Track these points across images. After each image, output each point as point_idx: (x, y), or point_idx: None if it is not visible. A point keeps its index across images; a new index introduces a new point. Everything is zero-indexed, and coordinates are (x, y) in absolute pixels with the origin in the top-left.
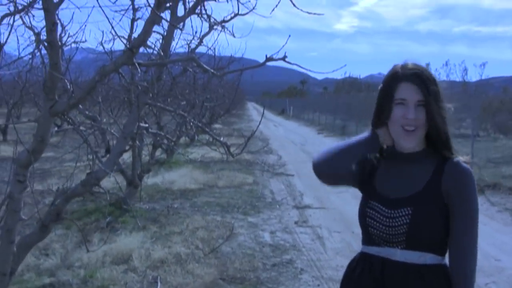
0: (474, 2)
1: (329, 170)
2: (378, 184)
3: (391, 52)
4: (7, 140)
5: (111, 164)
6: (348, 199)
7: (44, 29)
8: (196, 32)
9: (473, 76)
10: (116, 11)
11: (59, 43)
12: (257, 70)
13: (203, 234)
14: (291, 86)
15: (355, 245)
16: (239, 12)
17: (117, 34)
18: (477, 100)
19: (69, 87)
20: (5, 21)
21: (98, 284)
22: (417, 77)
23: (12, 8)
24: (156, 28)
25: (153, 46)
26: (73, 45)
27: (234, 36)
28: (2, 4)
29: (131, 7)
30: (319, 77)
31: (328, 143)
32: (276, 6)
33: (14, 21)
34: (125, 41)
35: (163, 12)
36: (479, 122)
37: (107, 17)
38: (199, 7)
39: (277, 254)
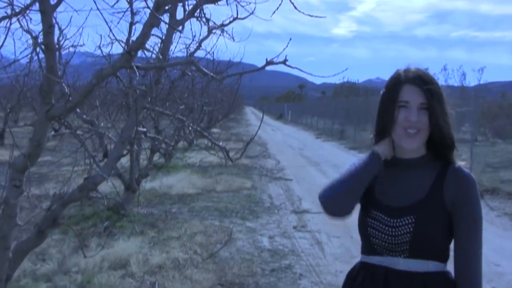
0: (472, 8)
1: (344, 211)
2: (379, 193)
3: (390, 57)
4: (5, 144)
5: (108, 169)
6: None
7: (41, 32)
8: (194, 36)
9: (472, 81)
10: (114, 13)
11: (56, 46)
12: (255, 74)
13: (201, 239)
14: (289, 90)
15: (354, 251)
16: (238, 16)
17: (115, 38)
18: (476, 105)
19: (66, 90)
20: (2, 24)
21: None
22: (420, 79)
23: (9, 11)
24: (155, 31)
25: (151, 49)
26: (71, 48)
27: (233, 40)
28: None
29: (129, 10)
30: (317, 81)
31: (326, 148)
32: (277, 8)
33: (11, 24)
34: (123, 45)
35: (162, 15)
36: (477, 126)
37: (105, 21)
38: (198, 10)
39: (276, 259)
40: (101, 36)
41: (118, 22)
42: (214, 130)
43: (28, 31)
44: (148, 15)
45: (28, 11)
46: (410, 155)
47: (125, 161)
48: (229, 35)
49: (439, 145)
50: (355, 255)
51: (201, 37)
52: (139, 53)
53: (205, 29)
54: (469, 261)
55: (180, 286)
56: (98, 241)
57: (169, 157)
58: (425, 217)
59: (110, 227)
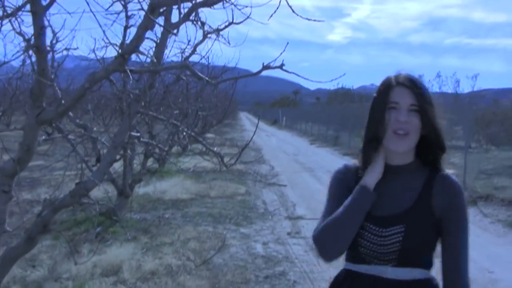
0: (465, 15)
1: (339, 256)
2: None
3: (384, 64)
4: None
5: (100, 174)
6: None
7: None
8: (189, 41)
9: (465, 88)
10: (108, 14)
11: (48, 49)
12: (249, 80)
13: (194, 245)
14: (284, 96)
15: None
16: (234, 21)
17: (109, 42)
18: (470, 112)
19: (58, 94)
20: None
21: None
22: (410, 82)
23: (0, 13)
24: (149, 35)
25: (146, 53)
26: (64, 52)
27: (229, 44)
28: None
29: (124, 14)
30: (312, 87)
31: (320, 154)
32: (275, 12)
33: (2, 25)
34: (117, 49)
35: (156, 18)
36: (471, 133)
37: (99, 24)
38: (193, 14)
39: (270, 266)
40: (95, 39)
41: (111, 25)
42: (209, 135)
43: (20, 33)
44: (142, 18)
45: (20, 13)
46: (399, 162)
47: (118, 166)
48: (224, 39)
49: (431, 149)
50: None
51: (196, 42)
52: (134, 57)
53: (200, 33)
54: (459, 266)
55: None
56: (90, 247)
57: (163, 162)
58: (414, 226)
59: (102, 233)
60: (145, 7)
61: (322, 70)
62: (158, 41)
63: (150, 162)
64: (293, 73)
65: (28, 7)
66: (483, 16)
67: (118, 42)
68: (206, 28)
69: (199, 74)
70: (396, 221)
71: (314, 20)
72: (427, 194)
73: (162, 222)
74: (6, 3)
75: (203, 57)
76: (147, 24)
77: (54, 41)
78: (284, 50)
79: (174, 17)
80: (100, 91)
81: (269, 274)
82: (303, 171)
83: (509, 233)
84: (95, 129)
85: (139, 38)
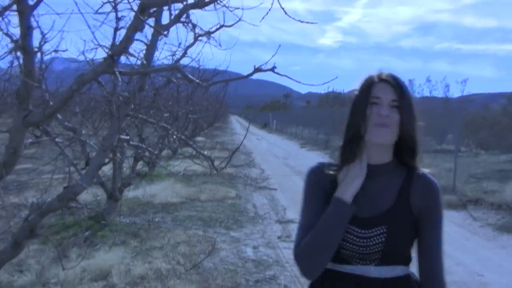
0: (456, 20)
1: (321, 271)
2: None
3: (375, 68)
4: None
5: (89, 178)
6: None
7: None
8: (180, 43)
9: (455, 93)
10: (97, 14)
11: (35, 49)
12: (240, 83)
13: (184, 249)
14: (274, 99)
15: None
16: (225, 24)
17: (99, 43)
18: (460, 116)
19: (46, 96)
20: None
21: None
22: (392, 79)
23: None
24: (140, 36)
25: (136, 55)
26: (53, 53)
27: (220, 46)
28: None
29: (114, 16)
30: (303, 91)
31: (311, 157)
32: (267, 13)
33: None
34: (107, 50)
35: (146, 19)
36: (461, 138)
37: (88, 25)
38: (184, 16)
39: (260, 269)
40: (84, 41)
41: (100, 26)
42: (199, 138)
43: (7, 34)
44: (132, 19)
45: (7, 13)
46: (378, 161)
47: (107, 169)
48: (216, 41)
49: (404, 149)
50: None
51: (187, 44)
52: (124, 60)
53: (191, 36)
54: (437, 262)
55: None
56: (78, 251)
57: (153, 165)
58: (396, 226)
59: (91, 237)
60: (135, 8)
61: (313, 74)
62: (148, 43)
63: (140, 165)
64: (285, 75)
65: (15, 7)
66: (474, 22)
67: (108, 44)
68: (197, 30)
69: (190, 76)
70: (378, 222)
71: (307, 22)
72: (406, 193)
73: (152, 226)
74: None
75: (194, 59)
76: (136, 25)
77: (42, 43)
78: (276, 53)
79: (165, 19)
80: (90, 94)
81: (259, 278)
82: (293, 175)
83: (498, 236)
84: (84, 132)
85: (129, 39)
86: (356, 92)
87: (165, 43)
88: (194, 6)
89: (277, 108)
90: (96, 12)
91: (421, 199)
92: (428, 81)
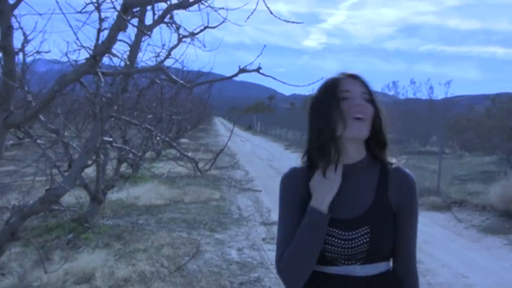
0: (440, 22)
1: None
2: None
3: (359, 69)
4: None
5: (71, 180)
6: None
7: None
8: (164, 45)
9: (439, 94)
10: (80, 13)
11: (16, 50)
12: (224, 85)
13: (168, 251)
14: (259, 101)
15: None
16: (209, 25)
17: (82, 45)
18: (444, 118)
19: (28, 97)
20: None
21: None
22: (357, 74)
23: None
24: (123, 37)
25: (119, 55)
26: (36, 55)
27: (204, 47)
28: None
29: (97, 16)
30: (287, 93)
31: (295, 159)
32: (252, 13)
33: None
34: (90, 52)
35: (130, 20)
36: (445, 139)
37: (70, 25)
38: (168, 16)
39: (245, 272)
40: (68, 42)
41: (82, 25)
42: (183, 140)
43: None
44: (115, 19)
45: None
46: (354, 159)
47: (91, 171)
48: (200, 42)
49: (376, 144)
50: None
51: (171, 46)
52: (107, 61)
53: (175, 37)
54: (412, 256)
55: None
56: (61, 254)
57: (137, 167)
58: (378, 225)
59: (74, 240)
60: (118, 7)
61: (297, 76)
62: (132, 43)
63: (123, 167)
64: (270, 76)
65: None
66: (458, 24)
67: (92, 45)
68: (181, 31)
69: (174, 77)
70: (360, 223)
71: (293, 22)
72: (384, 189)
73: (136, 228)
74: None
75: (177, 60)
76: (119, 25)
77: (25, 44)
78: (261, 53)
79: (148, 20)
80: (73, 95)
81: (244, 280)
82: (278, 176)
83: (483, 238)
84: (67, 133)
85: (112, 39)
86: (319, 94)
87: (148, 44)
88: (178, 6)
89: (261, 110)
90: (79, 12)
91: (399, 194)
92: (412, 83)
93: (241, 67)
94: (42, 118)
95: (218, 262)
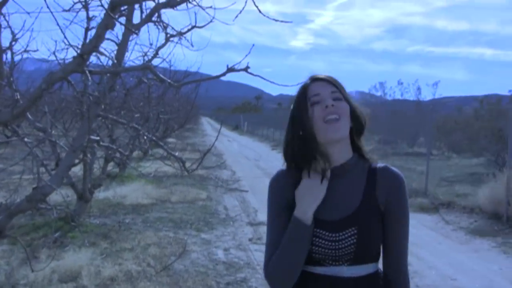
0: (428, 23)
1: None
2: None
3: (346, 70)
4: None
5: (58, 178)
6: None
7: None
8: (151, 44)
9: (427, 95)
10: (68, 12)
11: (4, 48)
12: (211, 85)
13: (155, 251)
14: (246, 101)
15: None
16: (197, 24)
17: (70, 44)
18: (431, 119)
19: (16, 96)
20: None
21: None
22: (326, 76)
23: None
24: (111, 36)
25: (106, 54)
26: (24, 54)
27: (192, 46)
28: None
29: (85, 15)
30: (274, 93)
31: (282, 159)
32: (241, 12)
33: None
34: (78, 50)
35: (118, 18)
36: (433, 141)
37: (58, 24)
38: (156, 15)
39: (231, 272)
40: (55, 41)
41: (70, 24)
42: (170, 139)
43: None
44: (103, 17)
45: None
46: (339, 160)
47: (78, 170)
48: (188, 41)
49: (357, 135)
50: None
51: (158, 45)
52: (95, 60)
53: (162, 37)
54: (403, 257)
55: None
56: (48, 252)
57: (124, 166)
58: (366, 226)
59: (61, 238)
60: (106, 6)
61: (284, 76)
62: (120, 42)
63: (110, 166)
64: (258, 75)
65: None
66: (446, 24)
67: (79, 44)
68: (168, 30)
69: (162, 76)
70: (348, 224)
71: (282, 21)
72: (372, 189)
73: (122, 227)
74: None
75: (164, 59)
76: (107, 23)
77: (13, 42)
78: (249, 52)
79: (136, 19)
80: (61, 94)
81: (230, 280)
82: (264, 177)
83: (471, 240)
84: (54, 132)
85: (99, 37)
86: (294, 102)
87: (136, 43)
88: (165, 5)
89: (248, 110)
90: (67, 10)
91: (387, 194)
92: (400, 84)
93: (229, 66)
94: (30, 117)
95: (205, 262)
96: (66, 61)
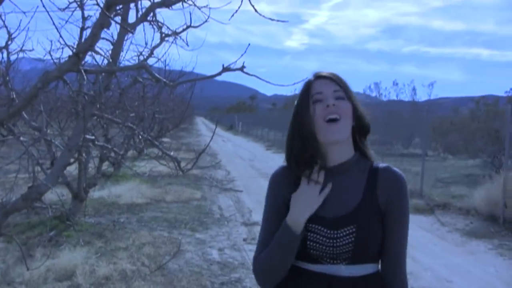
0: (424, 23)
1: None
2: None
3: (341, 70)
4: None
5: (54, 178)
6: None
7: None
8: (147, 44)
9: (422, 96)
10: (64, 11)
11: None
12: (206, 84)
13: (149, 250)
14: (240, 101)
15: None
16: (192, 24)
17: (65, 43)
18: (427, 120)
19: (12, 95)
20: None
21: None
22: (329, 73)
23: None
24: (106, 35)
25: (102, 53)
26: (20, 53)
27: (187, 45)
28: None
29: (80, 15)
30: (268, 93)
31: (277, 160)
32: (237, 11)
33: None
34: (73, 50)
35: (113, 17)
36: (428, 141)
37: (54, 24)
38: (151, 14)
39: (226, 272)
40: (51, 41)
41: (65, 23)
42: (165, 139)
43: None
44: (98, 16)
45: None
46: (340, 159)
47: (73, 169)
48: (183, 40)
49: (358, 133)
50: None
51: (153, 44)
52: (90, 60)
53: (157, 36)
54: (401, 258)
55: None
56: (43, 251)
57: (118, 166)
58: (365, 225)
59: (56, 237)
60: (102, 5)
61: (279, 76)
62: (115, 41)
63: (105, 165)
64: (254, 75)
65: None
66: (442, 25)
67: (75, 43)
68: (163, 30)
69: (157, 75)
70: (347, 222)
71: (278, 21)
72: (372, 189)
73: (117, 227)
74: None
75: (159, 59)
76: (103, 22)
77: (9, 42)
78: (245, 52)
79: (131, 19)
80: (56, 94)
81: (224, 280)
82: (259, 177)
83: (467, 242)
84: (49, 131)
85: (95, 36)
86: (297, 99)
87: (131, 43)
88: (161, 4)
89: (243, 110)
90: (62, 10)
91: (388, 194)
92: (395, 85)
93: (225, 66)
94: (25, 116)
95: (199, 262)
96: (62, 61)
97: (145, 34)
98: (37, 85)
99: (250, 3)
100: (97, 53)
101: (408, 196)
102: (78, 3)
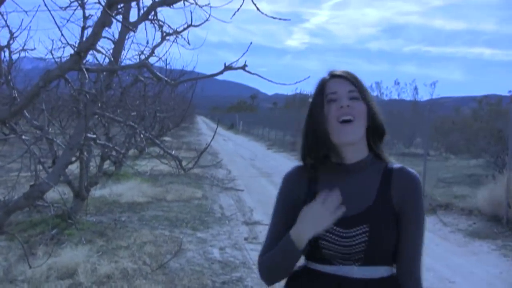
0: (425, 23)
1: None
2: None
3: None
4: None
5: (55, 176)
6: None
7: None
8: (148, 43)
9: (424, 96)
10: (65, 9)
11: (1, 46)
12: (207, 84)
13: (150, 249)
14: (241, 100)
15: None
16: (193, 23)
17: (67, 42)
18: (429, 119)
19: (14, 94)
20: None
21: None
22: (344, 72)
23: None
24: (107, 34)
25: (103, 52)
26: (22, 52)
27: (189, 44)
28: None
29: (81, 15)
30: (269, 92)
31: (277, 159)
32: (238, 10)
33: None
34: (75, 49)
35: (114, 16)
36: (430, 141)
37: (55, 22)
38: (152, 13)
39: (227, 271)
40: (52, 40)
41: (67, 22)
42: (166, 138)
43: None
44: (100, 15)
45: None
46: (354, 158)
47: (74, 168)
48: (184, 39)
49: (376, 138)
50: None
51: (154, 43)
52: (91, 59)
53: (158, 35)
54: (416, 259)
55: None
56: (45, 249)
57: (120, 164)
58: (378, 224)
59: (58, 235)
60: (103, 4)
61: (280, 76)
62: (116, 40)
63: (106, 164)
64: (256, 74)
65: None
66: (443, 24)
67: (76, 42)
68: (165, 29)
69: (158, 74)
70: (359, 221)
71: (280, 19)
72: (386, 189)
73: (118, 225)
74: None
75: (160, 58)
76: (104, 21)
77: (10, 41)
78: (247, 51)
79: (133, 18)
80: (57, 92)
81: (226, 279)
82: (260, 176)
83: (470, 243)
84: (51, 130)
85: (96, 35)
86: (312, 97)
87: (132, 42)
88: (162, 3)
89: (244, 109)
90: (63, 9)
91: (403, 195)
92: (397, 84)
93: (227, 64)
94: (27, 115)
95: (200, 261)
96: (63, 59)
97: (146, 33)
98: (39, 84)
99: (252, 1)
100: (99, 51)
101: (423, 197)
102: (80, 2)
